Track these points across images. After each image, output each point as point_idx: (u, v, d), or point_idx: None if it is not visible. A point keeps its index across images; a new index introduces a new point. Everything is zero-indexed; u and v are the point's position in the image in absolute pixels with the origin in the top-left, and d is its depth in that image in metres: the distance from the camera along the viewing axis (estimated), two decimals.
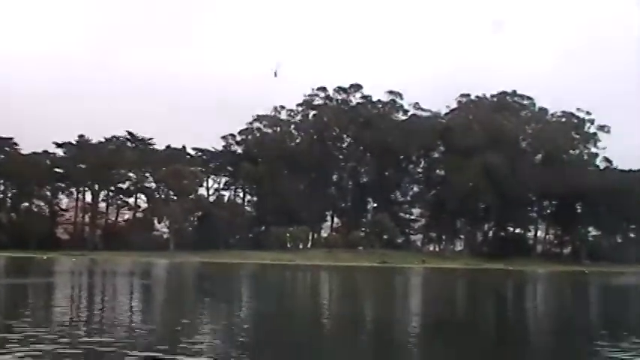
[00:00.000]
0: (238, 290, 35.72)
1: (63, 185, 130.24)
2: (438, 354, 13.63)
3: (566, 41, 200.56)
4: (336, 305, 27.85)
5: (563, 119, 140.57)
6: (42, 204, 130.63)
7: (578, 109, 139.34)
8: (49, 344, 12.54)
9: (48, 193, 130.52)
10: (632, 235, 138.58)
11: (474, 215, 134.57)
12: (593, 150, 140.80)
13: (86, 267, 60.93)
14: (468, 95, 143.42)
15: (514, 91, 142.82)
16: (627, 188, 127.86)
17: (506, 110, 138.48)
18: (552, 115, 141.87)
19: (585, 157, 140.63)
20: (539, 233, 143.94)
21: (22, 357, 11.18)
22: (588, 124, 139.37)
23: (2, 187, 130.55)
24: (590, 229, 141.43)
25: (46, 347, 12.23)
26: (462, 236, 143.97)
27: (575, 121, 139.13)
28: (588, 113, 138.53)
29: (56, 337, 13.62)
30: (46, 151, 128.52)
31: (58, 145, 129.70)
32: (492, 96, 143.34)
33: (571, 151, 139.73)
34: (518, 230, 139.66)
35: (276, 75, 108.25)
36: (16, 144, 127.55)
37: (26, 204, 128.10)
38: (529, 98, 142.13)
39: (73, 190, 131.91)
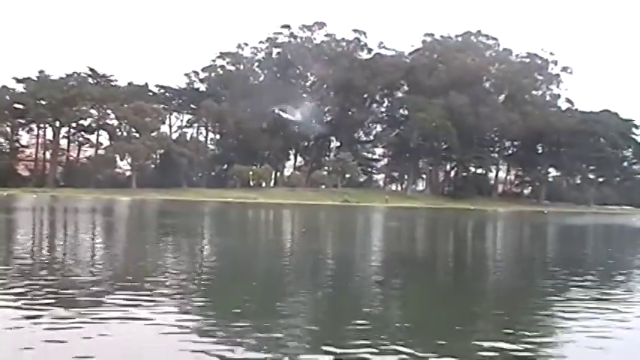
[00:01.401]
0: (201, 227, 35.86)
1: (23, 121, 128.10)
2: (394, 290, 13.94)
3: None
4: (297, 242, 28.15)
5: (527, 60, 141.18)
6: (2, 140, 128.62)
7: (542, 49, 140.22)
8: (11, 283, 12.58)
9: (8, 129, 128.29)
10: (590, 177, 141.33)
11: (436, 155, 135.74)
12: (556, 91, 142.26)
13: (47, 204, 60.50)
14: (433, 35, 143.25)
15: (479, 31, 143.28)
16: (587, 130, 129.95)
17: (471, 50, 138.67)
18: (517, 55, 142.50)
19: (548, 98, 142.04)
20: (500, 174, 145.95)
21: None
22: (552, 65, 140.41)
23: None
24: (551, 169, 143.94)
25: (8, 286, 12.27)
26: (424, 176, 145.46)
27: (539, 61, 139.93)
28: (552, 54, 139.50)
29: (18, 275, 13.65)
30: (5, 87, 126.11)
31: (18, 81, 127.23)
32: (457, 36, 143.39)
33: (534, 92, 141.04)
34: (480, 170, 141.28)
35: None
36: None
37: None
38: (494, 38, 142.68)
39: (34, 126, 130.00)
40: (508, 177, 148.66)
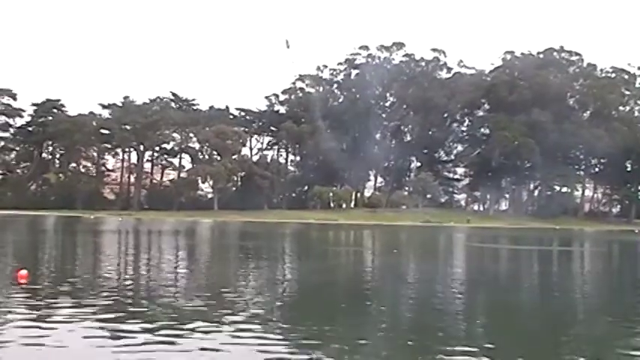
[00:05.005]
0: (282, 249, 35.67)
1: (109, 146, 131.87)
2: (472, 315, 13.28)
3: None
4: (377, 264, 27.59)
5: (613, 75, 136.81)
6: (89, 164, 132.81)
7: (628, 64, 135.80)
8: (99, 307, 12.49)
9: (94, 154, 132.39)
10: None
11: (519, 174, 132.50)
12: None
13: (132, 226, 61.67)
14: (513, 52, 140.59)
15: (561, 47, 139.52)
16: None
17: (553, 66, 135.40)
18: (601, 70, 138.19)
19: (636, 114, 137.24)
20: (586, 192, 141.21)
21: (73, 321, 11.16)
22: (639, 80, 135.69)
23: (50, 149, 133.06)
24: None
25: (96, 311, 12.17)
26: (506, 195, 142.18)
27: (626, 76, 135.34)
28: None
29: (108, 300, 13.58)
30: (92, 113, 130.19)
31: (104, 107, 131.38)
32: (538, 52, 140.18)
33: (621, 108, 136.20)
34: (564, 189, 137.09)
35: (288, 46, 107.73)
36: (63, 105, 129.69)
37: (74, 165, 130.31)
38: (577, 54, 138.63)
39: (119, 150, 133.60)
40: (595, 195, 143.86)
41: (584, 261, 34.47)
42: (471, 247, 41.54)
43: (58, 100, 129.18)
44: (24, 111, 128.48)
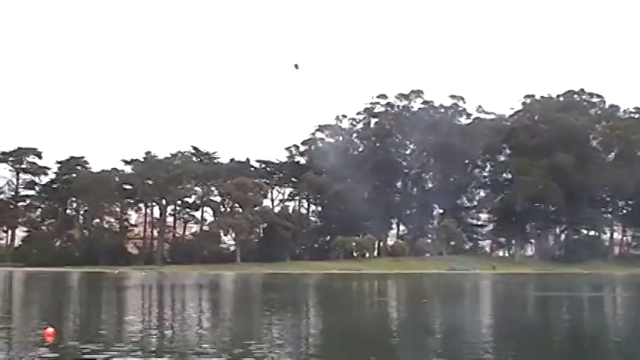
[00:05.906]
0: (305, 302, 35.18)
1: (132, 201, 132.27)
2: None
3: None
4: (407, 315, 27.05)
5: (636, 115, 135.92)
6: (112, 220, 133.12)
7: None
8: None
9: (118, 209, 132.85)
10: None
11: (544, 218, 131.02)
12: None
13: (156, 281, 61.45)
14: (533, 96, 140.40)
15: (582, 89, 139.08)
16: None
17: (574, 109, 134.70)
18: (624, 111, 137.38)
19: None
20: (615, 235, 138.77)
21: None
22: None
23: (74, 205, 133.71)
24: None
25: None
26: (532, 240, 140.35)
27: None
28: None
29: (134, 358, 13.31)
30: (115, 169, 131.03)
31: (127, 162, 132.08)
32: (559, 95, 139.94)
33: None
34: (592, 232, 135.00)
35: (297, 67, 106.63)
36: (87, 162, 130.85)
37: (97, 220, 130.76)
38: (599, 96, 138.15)
39: (142, 205, 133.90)
40: (624, 238, 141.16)
41: (617, 307, 33.65)
42: (499, 295, 40.83)
43: (82, 157, 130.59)
44: (49, 169, 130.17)
